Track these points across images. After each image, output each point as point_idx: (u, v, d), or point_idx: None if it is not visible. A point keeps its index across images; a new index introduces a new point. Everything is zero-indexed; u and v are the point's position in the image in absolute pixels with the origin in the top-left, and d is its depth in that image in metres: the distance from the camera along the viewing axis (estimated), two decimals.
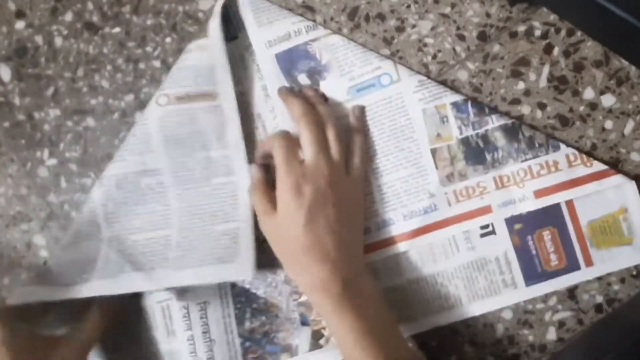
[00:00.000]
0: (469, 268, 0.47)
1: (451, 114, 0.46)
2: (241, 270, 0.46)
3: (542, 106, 0.47)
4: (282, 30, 0.47)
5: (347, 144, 0.45)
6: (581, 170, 0.46)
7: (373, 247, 0.47)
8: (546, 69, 0.47)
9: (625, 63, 0.46)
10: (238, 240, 0.46)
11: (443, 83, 0.47)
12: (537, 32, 0.47)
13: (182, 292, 0.47)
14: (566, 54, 0.47)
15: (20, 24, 0.50)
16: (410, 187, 0.47)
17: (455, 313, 0.47)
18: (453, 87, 0.47)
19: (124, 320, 0.47)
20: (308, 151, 0.43)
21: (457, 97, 0.46)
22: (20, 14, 0.50)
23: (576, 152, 0.46)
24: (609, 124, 0.47)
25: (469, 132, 0.46)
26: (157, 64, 0.49)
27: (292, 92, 0.47)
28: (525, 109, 0.47)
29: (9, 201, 0.50)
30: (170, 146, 0.46)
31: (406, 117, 0.46)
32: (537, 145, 0.46)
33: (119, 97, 0.49)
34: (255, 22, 0.47)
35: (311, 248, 0.41)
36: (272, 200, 0.43)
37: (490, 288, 0.47)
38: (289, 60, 0.47)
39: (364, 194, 0.46)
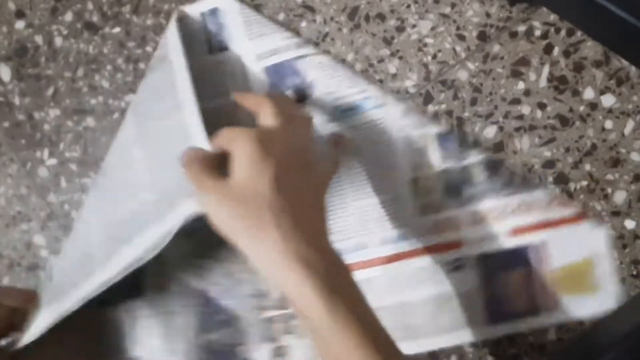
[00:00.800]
0: (435, 301, 0.46)
1: (434, 145, 0.46)
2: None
3: (542, 106, 0.47)
4: (272, 45, 0.47)
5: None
6: (557, 213, 0.45)
7: None
8: (546, 69, 0.47)
9: (625, 63, 0.46)
10: None
11: (443, 83, 0.47)
12: (537, 32, 0.47)
13: (148, 302, 0.46)
14: (566, 54, 0.47)
15: (20, 24, 0.50)
16: (386, 213, 0.46)
17: (414, 345, 0.46)
18: (453, 85, 0.47)
19: (92, 329, 0.47)
20: (273, 121, 0.36)
21: (441, 129, 0.46)
22: (20, 14, 0.50)
23: (554, 193, 0.46)
24: (609, 124, 0.47)
25: (450, 164, 0.46)
26: None
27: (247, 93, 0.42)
28: (525, 109, 0.47)
29: (9, 201, 0.50)
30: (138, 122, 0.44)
31: (388, 143, 0.46)
32: (515, 184, 0.46)
33: (119, 97, 0.49)
34: (246, 35, 0.47)
35: (288, 212, 0.33)
36: (215, 166, 0.36)
37: (453, 323, 0.46)
38: (277, 75, 0.47)
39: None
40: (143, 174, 0.42)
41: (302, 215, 0.34)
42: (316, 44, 0.48)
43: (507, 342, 0.48)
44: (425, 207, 0.46)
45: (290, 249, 0.32)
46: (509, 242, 0.45)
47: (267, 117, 0.37)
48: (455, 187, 0.46)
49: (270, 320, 0.47)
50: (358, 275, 0.45)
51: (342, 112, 0.46)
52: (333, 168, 0.40)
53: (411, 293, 0.46)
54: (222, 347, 0.47)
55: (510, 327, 0.46)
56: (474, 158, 0.46)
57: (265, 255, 0.33)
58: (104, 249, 0.42)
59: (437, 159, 0.46)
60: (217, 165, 0.35)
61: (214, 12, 0.47)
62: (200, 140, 0.38)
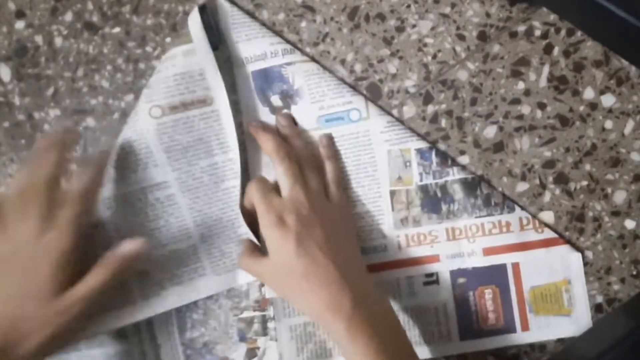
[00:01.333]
0: (407, 314, 0.47)
1: (414, 160, 0.46)
2: (243, 275, 0.47)
3: (542, 106, 0.47)
4: (260, 49, 0.47)
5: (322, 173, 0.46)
6: (532, 235, 0.46)
7: None
8: (546, 69, 0.47)
9: (625, 63, 0.46)
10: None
11: (443, 83, 0.47)
12: (537, 32, 0.47)
13: (132, 303, 0.47)
14: (566, 53, 0.47)
15: (20, 24, 0.50)
16: (365, 224, 0.47)
17: None
18: (453, 85, 0.47)
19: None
20: (284, 184, 0.43)
21: (423, 144, 0.46)
22: (20, 14, 0.50)
23: (529, 216, 0.46)
24: (609, 124, 0.47)
25: (429, 180, 0.46)
26: (157, 64, 0.49)
27: (263, 126, 0.46)
28: (525, 109, 0.47)
29: None
30: (173, 157, 0.46)
31: (370, 155, 0.47)
32: (493, 203, 0.46)
33: (119, 97, 0.49)
34: (234, 37, 0.47)
35: (309, 272, 0.41)
36: (259, 251, 0.44)
37: (425, 337, 0.47)
38: (264, 80, 0.47)
39: (350, 216, 0.47)
40: (188, 220, 0.47)
41: (331, 266, 0.41)
42: (316, 44, 0.48)
43: None
44: (404, 221, 0.47)
45: (322, 306, 0.40)
46: (484, 261, 0.46)
47: (281, 177, 0.44)
48: (433, 202, 0.47)
49: (247, 321, 0.48)
50: None
51: (326, 122, 0.47)
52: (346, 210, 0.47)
53: None
54: (201, 345, 0.48)
55: (481, 344, 0.47)
56: (453, 176, 0.46)
57: (312, 314, 0.42)
58: (142, 285, 0.47)
59: (416, 174, 0.46)
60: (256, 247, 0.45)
61: (202, 9, 0.46)
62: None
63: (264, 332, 0.47)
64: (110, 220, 0.46)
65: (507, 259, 0.46)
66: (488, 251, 0.46)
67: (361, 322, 0.39)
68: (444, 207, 0.47)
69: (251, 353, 0.48)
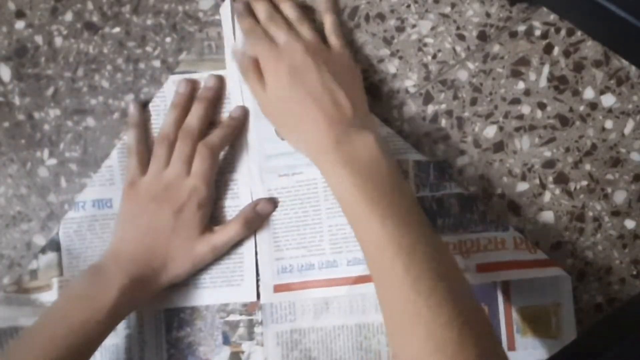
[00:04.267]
0: None
1: (412, 171, 0.46)
2: (245, 293, 0.47)
3: (542, 106, 0.47)
4: None
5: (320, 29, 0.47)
6: (525, 255, 0.46)
7: (311, 285, 0.47)
8: (546, 69, 0.47)
9: (625, 63, 0.46)
10: (243, 265, 0.47)
11: (443, 83, 0.47)
12: (537, 32, 0.47)
13: None
14: (566, 53, 0.47)
15: (20, 24, 0.50)
16: None
17: None
18: (453, 85, 0.47)
19: None
20: (280, 39, 0.44)
21: (420, 157, 0.46)
22: (20, 14, 0.50)
23: (522, 236, 0.46)
24: (609, 124, 0.47)
25: (426, 192, 0.46)
26: (157, 64, 0.49)
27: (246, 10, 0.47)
28: (525, 109, 0.47)
29: (9, 201, 0.50)
30: None
31: None
32: (488, 220, 0.46)
33: (119, 97, 0.49)
34: (232, 37, 0.48)
35: (300, 109, 0.42)
36: (262, 77, 0.45)
37: None
38: None
39: (352, 63, 0.46)
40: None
41: (318, 104, 0.42)
42: None
43: None
44: None
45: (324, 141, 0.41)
46: (475, 278, 0.46)
47: (276, 36, 0.45)
48: (429, 216, 0.46)
49: (233, 325, 0.48)
50: (324, 293, 0.47)
51: None
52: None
53: (373, 316, 0.47)
54: (185, 346, 0.48)
55: None
56: (450, 190, 0.46)
57: (302, 149, 0.44)
58: None
59: (412, 186, 0.46)
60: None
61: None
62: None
63: (250, 336, 0.47)
64: None
65: (499, 276, 0.46)
66: (481, 268, 0.46)
67: (343, 161, 0.39)
68: (439, 221, 0.46)
69: (235, 357, 0.48)
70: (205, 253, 0.46)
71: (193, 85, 0.48)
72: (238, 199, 0.48)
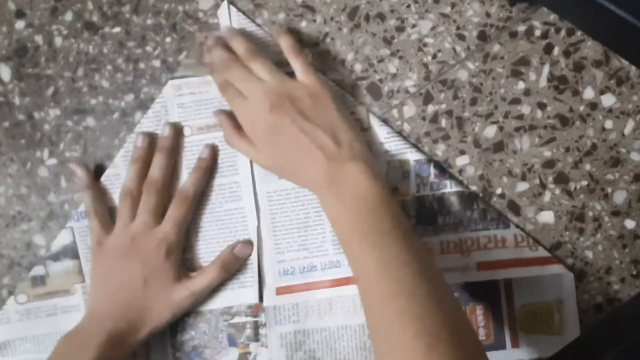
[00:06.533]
0: None
1: (413, 171, 0.46)
2: (249, 295, 0.47)
3: (542, 106, 0.47)
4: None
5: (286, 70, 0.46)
6: (526, 253, 0.46)
7: (314, 286, 0.47)
8: (546, 69, 0.47)
9: (625, 63, 0.46)
10: (247, 266, 0.48)
11: (443, 83, 0.47)
12: (537, 32, 0.47)
13: None
14: (566, 53, 0.47)
15: (20, 24, 0.50)
16: None
17: None
18: (453, 85, 0.47)
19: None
20: (241, 88, 0.44)
21: (421, 156, 0.46)
22: (20, 14, 0.50)
23: (523, 234, 0.46)
24: (609, 124, 0.47)
25: (426, 191, 0.46)
26: (157, 63, 0.49)
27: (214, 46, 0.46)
28: (525, 109, 0.47)
29: (9, 201, 0.50)
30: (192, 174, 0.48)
31: None
32: (488, 218, 0.46)
33: (119, 97, 0.49)
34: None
35: (289, 162, 0.43)
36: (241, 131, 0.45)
37: None
38: None
39: (323, 86, 0.45)
40: (191, 233, 0.48)
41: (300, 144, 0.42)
42: (316, 44, 0.48)
43: None
44: None
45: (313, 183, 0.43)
46: (476, 276, 0.46)
47: (260, 72, 0.45)
48: (430, 214, 0.46)
49: (239, 327, 0.48)
50: (327, 294, 0.47)
51: None
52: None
53: None
54: (190, 349, 0.48)
55: None
56: (450, 188, 0.46)
57: (307, 187, 0.45)
58: None
59: (413, 186, 0.46)
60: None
61: None
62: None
63: (256, 337, 0.48)
64: None
65: (500, 274, 0.46)
66: (482, 266, 0.46)
67: (337, 198, 0.40)
68: (440, 220, 0.46)
69: (243, 358, 0.48)
70: (183, 300, 0.46)
71: (151, 137, 0.48)
72: (241, 201, 0.48)
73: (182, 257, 0.47)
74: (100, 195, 0.48)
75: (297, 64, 0.45)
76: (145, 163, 0.47)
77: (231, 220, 0.48)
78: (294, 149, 0.42)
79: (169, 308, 0.45)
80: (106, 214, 0.47)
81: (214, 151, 0.48)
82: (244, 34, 0.47)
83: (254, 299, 0.47)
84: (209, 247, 0.48)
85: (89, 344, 0.42)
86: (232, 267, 0.47)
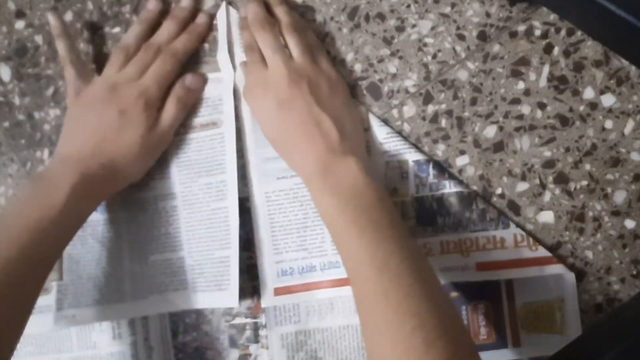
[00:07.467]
0: None
1: (412, 172, 0.46)
2: (229, 298, 0.46)
3: (542, 106, 0.47)
4: None
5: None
6: (526, 253, 0.46)
7: (313, 286, 0.47)
8: (546, 69, 0.47)
9: (625, 63, 0.46)
10: (229, 268, 0.46)
11: (443, 83, 0.47)
12: (537, 32, 0.47)
13: (127, 306, 0.48)
14: (566, 53, 0.47)
15: (20, 24, 0.50)
16: None
17: None
18: (453, 85, 0.47)
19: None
20: (268, 57, 0.45)
21: (420, 156, 0.46)
22: (20, 14, 0.50)
23: (524, 233, 0.46)
24: (609, 124, 0.47)
25: (425, 192, 0.46)
26: None
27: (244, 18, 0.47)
28: (525, 109, 0.47)
29: (9, 201, 0.50)
30: (182, 172, 0.48)
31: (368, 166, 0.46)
32: (488, 219, 0.46)
33: None
34: (226, 44, 0.48)
35: (289, 139, 0.43)
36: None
37: None
38: None
39: (338, 78, 0.46)
40: (182, 233, 0.48)
41: (305, 132, 0.43)
42: None
43: None
44: None
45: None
46: (477, 276, 0.46)
47: (262, 48, 0.45)
48: (429, 215, 0.46)
49: (239, 328, 0.48)
50: (327, 293, 0.46)
51: None
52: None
53: None
54: (192, 350, 0.48)
55: None
56: (450, 189, 0.46)
57: (296, 170, 0.44)
58: (135, 286, 0.47)
59: (412, 186, 0.46)
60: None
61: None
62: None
63: (256, 339, 0.48)
64: (124, 220, 0.48)
65: (500, 275, 0.46)
66: (481, 266, 0.46)
67: (329, 190, 0.40)
68: (440, 220, 0.46)
69: (244, 359, 0.48)
70: (155, 145, 0.46)
71: (164, 4, 0.47)
72: (226, 200, 0.47)
73: (172, 256, 0.47)
74: (77, 47, 0.47)
75: (321, 58, 0.46)
76: (150, 28, 0.47)
77: (218, 219, 0.47)
78: (298, 128, 0.42)
79: (142, 154, 0.45)
80: (83, 64, 0.47)
81: (210, 19, 0.47)
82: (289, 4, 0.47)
83: (234, 302, 0.45)
84: (199, 246, 0.47)
85: (60, 183, 0.41)
86: (188, 99, 0.47)
